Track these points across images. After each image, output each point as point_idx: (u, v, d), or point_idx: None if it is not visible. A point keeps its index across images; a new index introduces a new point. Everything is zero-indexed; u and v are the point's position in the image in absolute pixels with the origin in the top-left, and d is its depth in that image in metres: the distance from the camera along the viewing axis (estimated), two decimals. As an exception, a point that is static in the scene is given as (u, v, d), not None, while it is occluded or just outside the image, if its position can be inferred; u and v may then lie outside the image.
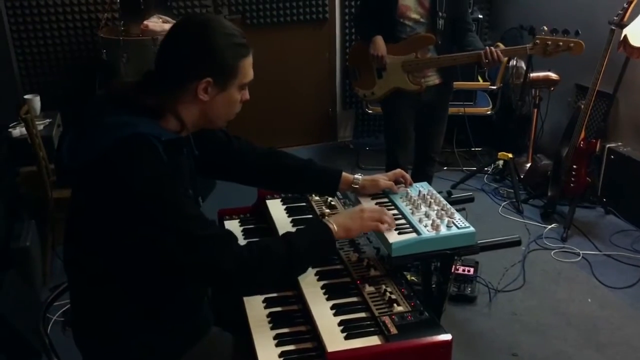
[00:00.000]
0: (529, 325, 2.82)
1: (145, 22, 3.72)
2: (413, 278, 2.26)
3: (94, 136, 1.34)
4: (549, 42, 2.91)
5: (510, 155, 4.06)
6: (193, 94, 1.40)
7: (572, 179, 3.62)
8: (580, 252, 3.38)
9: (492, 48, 2.89)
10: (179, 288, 1.48)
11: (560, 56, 2.95)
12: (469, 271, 3.01)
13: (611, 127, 3.86)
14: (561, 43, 2.89)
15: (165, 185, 1.33)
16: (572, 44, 2.88)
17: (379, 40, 3.04)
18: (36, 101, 3.71)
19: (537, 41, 2.93)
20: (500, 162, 4.22)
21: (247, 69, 1.46)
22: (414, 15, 3.00)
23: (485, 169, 4.34)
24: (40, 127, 3.49)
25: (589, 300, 3.01)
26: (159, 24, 3.75)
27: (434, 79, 3.14)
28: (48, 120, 3.67)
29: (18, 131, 3.42)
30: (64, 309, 2.69)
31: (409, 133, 3.27)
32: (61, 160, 1.40)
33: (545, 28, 2.95)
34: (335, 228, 1.56)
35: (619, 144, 3.81)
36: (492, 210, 3.89)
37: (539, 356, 2.63)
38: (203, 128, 1.53)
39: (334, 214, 1.88)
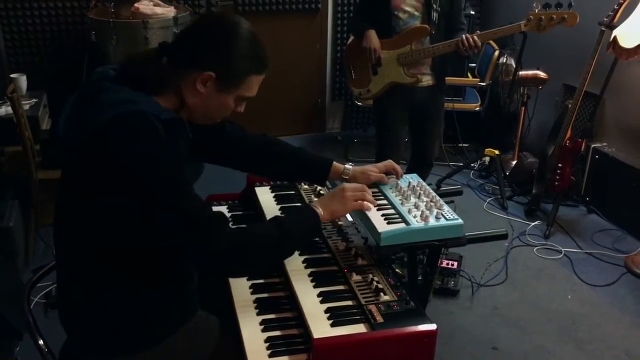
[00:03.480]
0: (509, 320, 2.85)
1: (136, 5, 3.68)
2: (397, 270, 2.27)
3: (91, 113, 1.33)
4: (543, 17, 2.92)
5: (497, 152, 4.09)
6: (193, 81, 1.40)
7: (557, 177, 3.66)
8: (562, 249, 3.43)
9: (468, 35, 2.91)
10: (170, 269, 1.48)
11: (550, 40, 2.98)
12: (452, 265, 3.03)
13: (597, 128, 3.90)
14: (554, 16, 2.90)
15: (164, 164, 1.33)
16: (565, 16, 2.90)
17: (371, 33, 3.04)
18: (22, 80, 3.67)
19: (531, 17, 2.94)
20: (487, 159, 4.25)
21: (253, 85, 1.45)
22: (408, 8, 3.00)
23: (472, 164, 4.37)
24: (26, 107, 3.45)
25: (569, 297, 3.05)
26: (149, 6, 3.72)
27: (427, 80, 3.13)
28: (34, 100, 3.63)
29: (3, 110, 3.38)
30: (46, 290, 2.68)
31: (400, 132, 3.27)
32: (56, 136, 1.38)
33: (539, 4, 2.96)
34: (322, 212, 1.58)
35: (604, 144, 3.85)
36: (477, 206, 3.92)
37: (519, 350, 2.66)
38: (190, 119, 1.51)
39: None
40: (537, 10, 2.96)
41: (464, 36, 2.91)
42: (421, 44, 3.06)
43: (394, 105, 3.19)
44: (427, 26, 2.99)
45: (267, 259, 1.50)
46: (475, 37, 2.90)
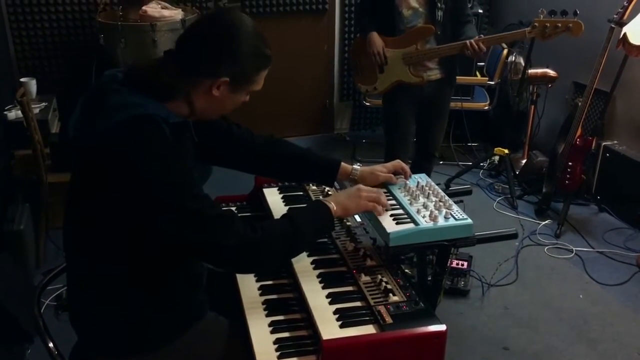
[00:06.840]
0: (520, 320, 2.83)
1: (144, 8, 3.69)
2: (407, 271, 2.26)
3: (100, 116, 1.34)
4: (548, 24, 2.90)
5: (506, 151, 4.06)
6: (207, 87, 1.42)
7: (567, 175, 3.63)
8: (574, 248, 3.40)
9: (472, 41, 2.90)
10: (179, 270, 1.48)
11: (559, 37, 2.95)
12: (462, 265, 3.02)
13: (607, 125, 3.86)
14: (559, 24, 2.89)
15: (173, 166, 1.34)
16: (570, 25, 2.88)
17: (374, 37, 3.04)
18: (32, 84, 3.69)
19: (536, 24, 2.93)
20: (496, 158, 4.23)
21: (262, 79, 1.52)
22: (413, 4, 2.99)
23: (481, 164, 4.35)
24: (36, 111, 3.47)
25: (581, 296, 3.03)
26: (157, 9, 3.73)
27: (435, 74, 3.13)
28: (44, 104, 3.65)
29: (14, 114, 3.40)
30: (56, 293, 2.69)
31: (409, 128, 3.26)
32: (66, 139, 1.40)
33: (544, 11, 2.95)
34: (334, 207, 1.59)
35: (615, 142, 3.82)
36: (486, 205, 3.90)
37: (530, 350, 2.64)
38: (201, 118, 1.53)
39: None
40: (542, 17, 2.94)
41: (468, 42, 2.91)
42: (427, 43, 3.05)
43: (403, 101, 3.18)
44: (432, 26, 2.98)
45: (279, 254, 1.50)
46: (480, 43, 2.90)
